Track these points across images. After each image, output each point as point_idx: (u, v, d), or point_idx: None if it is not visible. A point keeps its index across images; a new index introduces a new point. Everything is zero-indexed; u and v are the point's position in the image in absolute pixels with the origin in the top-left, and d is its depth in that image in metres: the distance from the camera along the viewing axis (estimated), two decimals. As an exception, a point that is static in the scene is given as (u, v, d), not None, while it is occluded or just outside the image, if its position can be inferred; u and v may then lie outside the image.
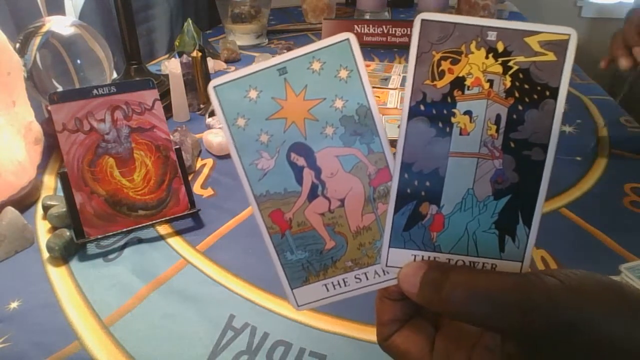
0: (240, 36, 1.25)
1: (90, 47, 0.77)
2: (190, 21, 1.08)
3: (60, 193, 0.55)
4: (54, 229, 0.56)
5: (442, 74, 0.22)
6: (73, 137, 0.53)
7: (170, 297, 0.48)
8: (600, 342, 0.20)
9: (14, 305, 0.47)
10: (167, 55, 1.20)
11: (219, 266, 0.52)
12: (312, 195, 0.24)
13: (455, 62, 0.22)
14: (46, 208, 0.58)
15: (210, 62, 1.02)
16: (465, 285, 0.21)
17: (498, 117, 0.22)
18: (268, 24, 1.32)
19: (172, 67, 0.82)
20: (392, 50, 1.20)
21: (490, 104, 0.22)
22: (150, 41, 1.22)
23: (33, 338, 0.43)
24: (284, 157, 0.24)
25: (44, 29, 0.73)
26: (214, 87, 0.23)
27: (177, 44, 1.09)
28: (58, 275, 0.51)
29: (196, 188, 0.65)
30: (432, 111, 0.22)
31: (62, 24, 0.75)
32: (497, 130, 0.22)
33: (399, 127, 0.23)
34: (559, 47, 0.21)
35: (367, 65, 1.08)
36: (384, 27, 1.22)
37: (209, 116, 0.83)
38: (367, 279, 0.26)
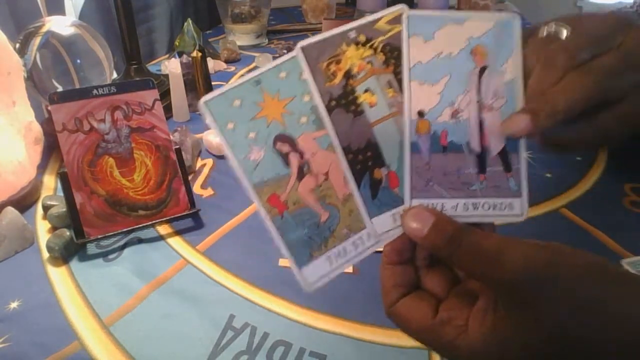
0: (240, 36, 1.25)
1: (90, 47, 0.77)
2: (190, 21, 1.08)
3: (60, 193, 0.55)
4: (54, 229, 0.56)
5: (334, 74, 0.28)
6: (73, 137, 0.53)
7: (170, 297, 0.48)
8: (567, 297, 0.23)
9: (14, 305, 0.47)
10: (167, 55, 1.20)
11: (219, 266, 0.52)
12: (300, 174, 0.28)
13: (338, 62, 0.28)
14: (46, 208, 0.58)
15: (210, 62, 1.02)
16: (471, 242, 0.25)
17: (389, 82, 0.29)
18: (268, 24, 1.32)
19: (172, 67, 0.82)
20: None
21: (378, 77, 0.29)
22: (150, 41, 1.22)
23: (33, 338, 0.43)
24: (271, 147, 0.28)
25: (44, 29, 0.73)
26: (205, 101, 0.27)
27: (177, 44, 1.09)
28: (58, 275, 0.51)
29: (196, 188, 0.65)
30: (342, 101, 0.28)
31: (62, 24, 0.75)
32: (394, 91, 0.29)
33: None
34: (399, 19, 0.29)
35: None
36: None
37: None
38: (364, 242, 0.29)
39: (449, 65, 0.29)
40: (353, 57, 0.28)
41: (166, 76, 0.86)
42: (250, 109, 0.28)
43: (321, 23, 1.27)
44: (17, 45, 0.71)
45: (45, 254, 0.53)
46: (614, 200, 0.62)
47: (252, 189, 0.28)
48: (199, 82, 0.87)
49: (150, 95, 0.56)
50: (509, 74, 0.29)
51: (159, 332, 0.44)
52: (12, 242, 0.53)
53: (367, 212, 0.29)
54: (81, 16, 0.97)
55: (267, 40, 1.29)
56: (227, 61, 1.13)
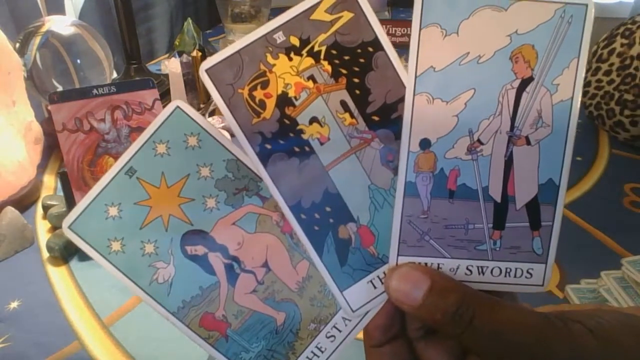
0: (240, 36, 1.25)
1: (90, 47, 0.77)
2: (190, 21, 1.08)
3: (60, 193, 0.55)
4: (54, 229, 0.56)
5: (262, 104, 0.20)
6: (73, 136, 0.53)
7: (170, 297, 0.48)
8: None
9: (14, 305, 0.47)
10: (167, 55, 1.20)
11: (219, 266, 0.52)
12: (232, 277, 0.21)
13: (265, 85, 0.20)
14: (46, 208, 0.58)
15: (210, 62, 1.02)
16: (491, 321, 0.19)
17: (343, 103, 0.20)
18: (268, 23, 1.32)
19: (172, 67, 0.82)
20: (392, 50, 1.20)
21: (327, 97, 0.20)
22: (150, 41, 1.22)
23: (33, 338, 0.43)
24: (181, 256, 0.21)
25: (44, 29, 0.73)
26: (68, 227, 0.20)
27: (177, 43, 1.09)
28: (58, 275, 0.51)
29: (196, 188, 0.65)
30: (280, 142, 0.20)
31: (62, 24, 0.75)
32: (352, 116, 0.20)
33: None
34: (347, 2, 0.19)
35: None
36: (384, 26, 1.21)
37: (209, 116, 0.83)
38: (340, 330, 0.22)
39: (476, 74, 0.20)
40: (286, 74, 0.20)
41: (166, 76, 0.86)
42: (134, 214, 0.20)
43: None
44: (17, 45, 0.71)
45: (45, 254, 0.53)
46: (614, 200, 0.62)
47: (174, 318, 0.21)
48: (199, 82, 0.87)
49: (150, 95, 0.56)
50: (563, 91, 0.20)
51: (159, 332, 0.44)
52: (12, 242, 0.53)
53: (337, 285, 0.21)
54: (81, 16, 0.97)
55: (267, 40, 1.29)
56: (227, 61, 1.13)
